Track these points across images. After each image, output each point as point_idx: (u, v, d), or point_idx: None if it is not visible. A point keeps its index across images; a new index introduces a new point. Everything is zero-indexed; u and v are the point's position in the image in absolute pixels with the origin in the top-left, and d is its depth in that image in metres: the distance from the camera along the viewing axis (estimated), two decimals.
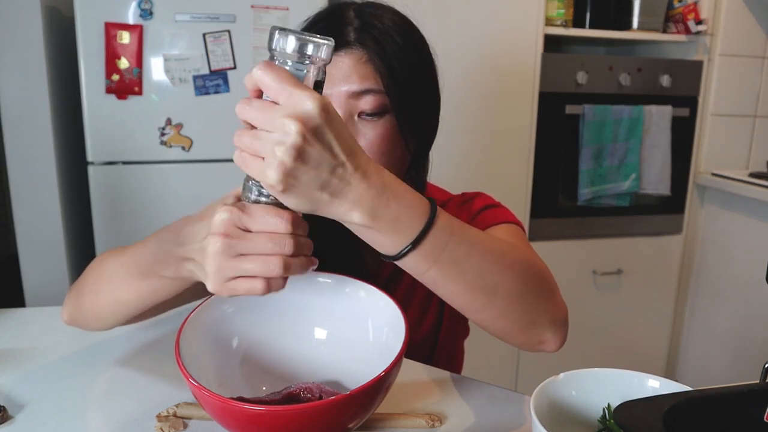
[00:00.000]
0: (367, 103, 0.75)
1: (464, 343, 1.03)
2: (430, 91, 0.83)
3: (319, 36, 0.51)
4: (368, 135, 0.76)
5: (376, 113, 0.76)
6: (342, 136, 0.51)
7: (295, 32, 0.50)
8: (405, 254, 0.56)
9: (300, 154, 0.49)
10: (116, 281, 0.70)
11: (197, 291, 0.71)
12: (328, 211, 0.53)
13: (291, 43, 0.50)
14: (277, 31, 0.50)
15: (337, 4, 0.82)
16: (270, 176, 0.49)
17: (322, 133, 0.49)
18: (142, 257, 0.67)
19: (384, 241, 0.56)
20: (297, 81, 0.50)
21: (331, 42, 0.52)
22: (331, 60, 0.53)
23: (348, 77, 0.75)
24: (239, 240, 0.53)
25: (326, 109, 0.49)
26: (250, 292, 0.54)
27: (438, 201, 0.93)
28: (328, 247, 0.62)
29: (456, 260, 0.59)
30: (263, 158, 0.50)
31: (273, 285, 0.55)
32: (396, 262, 0.58)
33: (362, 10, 0.79)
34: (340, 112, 0.74)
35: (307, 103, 0.49)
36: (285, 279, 0.55)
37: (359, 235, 0.57)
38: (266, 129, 0.49)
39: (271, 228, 0.53)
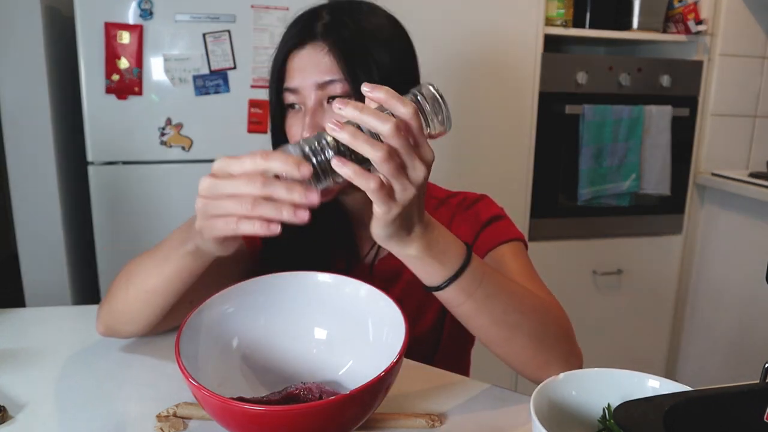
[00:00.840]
0: (333, 90, 0.79)
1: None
2: (403, 77, 0.83)
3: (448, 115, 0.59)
4: None
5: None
6: None
7: (440, 101, 0.59)
8: (448, 284, 0.64)
9: (420, 194, 0.57)
10: (144, 272, 0.75)
11: (224, 272, 0.77)
12: (397, 243, 0.61)
13: (428, 106, 0.59)
14: (431, 87, 0.59)
15: (318, 4, 0.86)
16: (388, 210, 0.56)
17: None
18: (165, 244, 0.73)
19: (432, 272, 0.64)
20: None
21: (449, 125, 0.60)
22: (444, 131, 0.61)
23: (312, 69, 0.79)
24: (221, 180, 0.57)
25: None
26: (226, 230, 0.57)
27: (436, 198, 0.94)
28: (324, 238, 0.64)
29: (488, 296, 0.66)
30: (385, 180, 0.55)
31: (245, 225, 0.56)
32: (437, 293, 0.66)
33: (335, 6, 0.84)
34: (312, 102, 0.79)
35: (431, 154, 0.57)
36: (266, 222, 0.55)
37: (409, 266, 0.64)
38: (403, 160, 0.55)
39: (248, 168, 0.55)
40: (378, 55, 0.80)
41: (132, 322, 0.80)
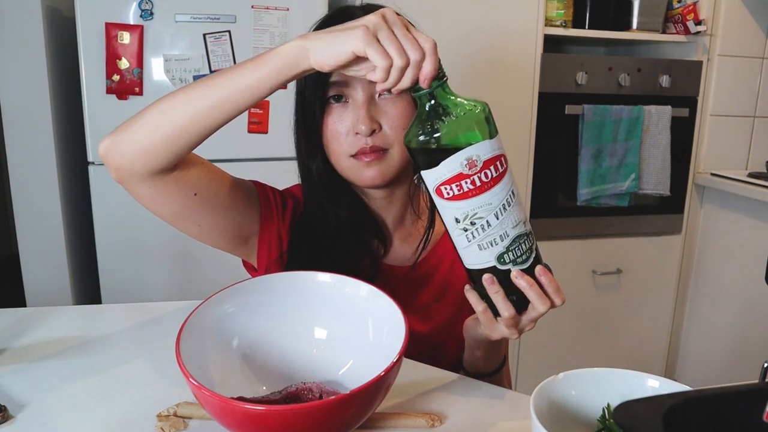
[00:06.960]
0: None
1: None
2: None
3: None
4: (389, 112, 0.84)
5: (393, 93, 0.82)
6: None
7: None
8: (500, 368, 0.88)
9: None
10: (194, 89, 0.77)
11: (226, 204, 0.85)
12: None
13: None
14: None
15: (342, 6, 0.88)
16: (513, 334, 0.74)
17: None
18: (227, 70, 0.74)
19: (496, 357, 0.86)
20: None
21: None
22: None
23: None
24: (391, 26, 0.66)
25: None
26: (368, 69, 0.67)
27: None
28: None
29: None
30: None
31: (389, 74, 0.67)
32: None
33: (369, 8, 0.83)
34: (363, 95, 0.83)
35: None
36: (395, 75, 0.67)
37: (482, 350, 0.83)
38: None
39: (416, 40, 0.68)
40: None
41: (147, 139, 0.79)
